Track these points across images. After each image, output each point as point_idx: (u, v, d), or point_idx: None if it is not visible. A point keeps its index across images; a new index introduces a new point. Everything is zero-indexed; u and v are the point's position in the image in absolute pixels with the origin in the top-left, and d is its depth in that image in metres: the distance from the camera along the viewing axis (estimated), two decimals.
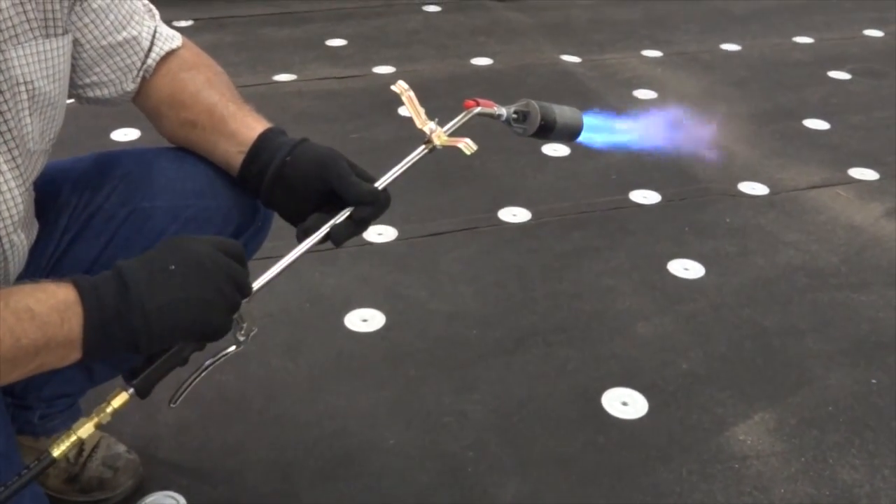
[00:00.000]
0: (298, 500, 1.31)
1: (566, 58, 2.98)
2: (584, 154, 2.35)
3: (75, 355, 0.81)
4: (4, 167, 0.90)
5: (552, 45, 3.08)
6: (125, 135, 2.29)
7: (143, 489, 1.31)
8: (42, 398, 1.21)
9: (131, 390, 0.85)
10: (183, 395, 0.92)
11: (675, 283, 1.84)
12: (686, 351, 1.64)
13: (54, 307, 0.79)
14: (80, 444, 1.25)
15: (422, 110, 1.00)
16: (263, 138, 1.02)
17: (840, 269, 1.90)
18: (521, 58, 2.96)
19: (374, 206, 0.97)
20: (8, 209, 0.92)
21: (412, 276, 1.83)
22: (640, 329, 1.70)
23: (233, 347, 0.91)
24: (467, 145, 0.98)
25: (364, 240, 1.91)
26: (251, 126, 1.04)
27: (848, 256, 1.94)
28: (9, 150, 0.91)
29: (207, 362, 0.92)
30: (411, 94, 1.01)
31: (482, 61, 2.93)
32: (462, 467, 1.37)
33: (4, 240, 0.93)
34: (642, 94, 2.75)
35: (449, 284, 1.81)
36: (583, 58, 2.99)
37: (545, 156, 2.31)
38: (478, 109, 1.04)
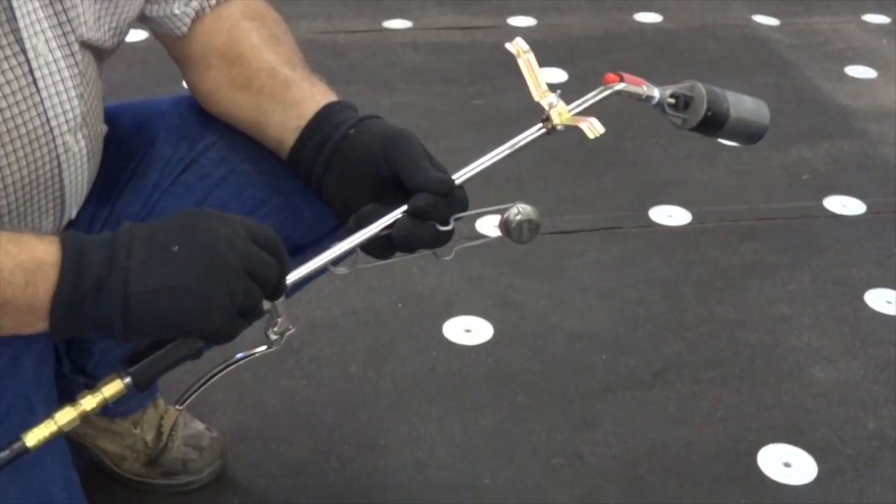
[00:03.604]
0: None
1: (760, 19, 2.98)
2: (769, 144, 2.34)
3: (41, 325, 0.86)
4: (59, 54, 0.97)
5: (743, 0, 3.08)
6: None
7: (225, 475, 1.44)
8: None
9: (127, 379, 0.86)
10: (191, 397, 0.95)
11: (871, 318, 1.84)
12: (876, 407, 1.64)
13: (22, 264, 0.82)
14: (159, 424, 1.41)
15: (542, 79, 1.00)
16: (327, 110, 1.05)
17: None
18: (701, 16, 2.98)
19: (438, 199, 0.95)
20: (61, 103, 0.98)
21: (531, 282, 1.90)
22: (817, 373, 1.71)
23: (262, 347, 0.93)
24: (591, 127, 0.97)
25: (476, 232, 1.98)
26: (316, 98, 1.07)
27: None
28: (63, 34, 0.97)
29: (219, 366, 0.95)
30: (531, 57, 1.01)
31: (649, 17, 2.96)
32: None
33: (58, 140, 0.99)
34: (857, 71, 2.72)
35: (577, 295, 1.87)
36: (782, 20, 2.98)
37: (717, 144, 2.32)
38: (620, 86, 1.03)
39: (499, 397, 1.63)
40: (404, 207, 0.95)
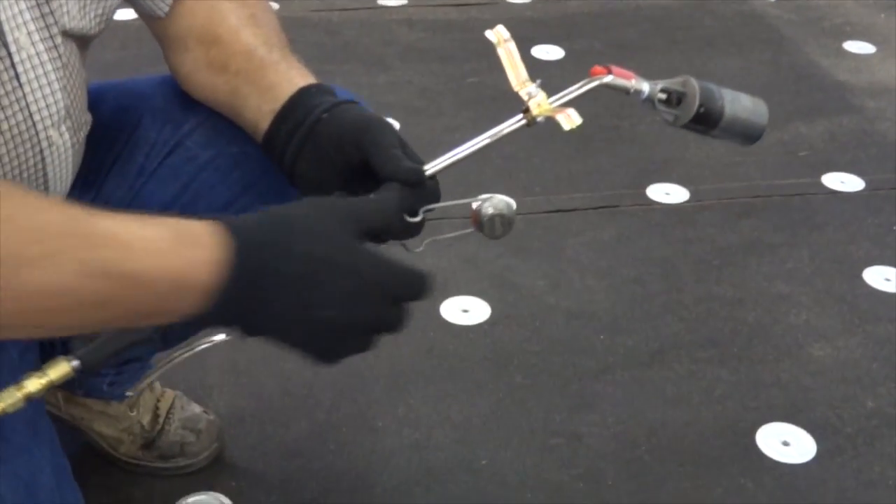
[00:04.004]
0: None
1: None
2: (767, 121, 2.34)
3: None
4: (41, 47, 0.95)
5: None
6: None
7: (222, 458, 1.45)
8: (108, 364, 1.34)
9: (75, 362, 0.83)
10: (143, 388, 0.94)
11: (870, 296, 1.84)
12: (874, 385, 1.64)
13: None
14: (156, 407, 1.41)
15: (523, 69, 0.96)
16: (303, 93, 1.03)
17: None
18: None
19: (407, 189, 0.92)
20: (44, 97, 0.96)
21: (529, 262, 1.89)
22: (816, 352, 1.71)
23: (221, 336, 0.90)
24: (568, 118, 0.94)
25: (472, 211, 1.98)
26: (293, 81, 1.05)
27: None
28: (46, 26, 0.96)
29: (178, 353, 0.92)
30: (511, 45, 0.97)
31: None
32: (568, 501, 1.43)
33: (41, 134, 0.98)
34: (855, 46, 2.71)
35: (574, 275, 1.87)
36: None
37: None
38: (606, 79, 1.00)
39: (496, 378, 1.63)
40: (371, 197, 0.92)
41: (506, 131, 0.97)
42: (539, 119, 0.96)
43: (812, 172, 2.18)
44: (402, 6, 2.83)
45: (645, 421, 1.56)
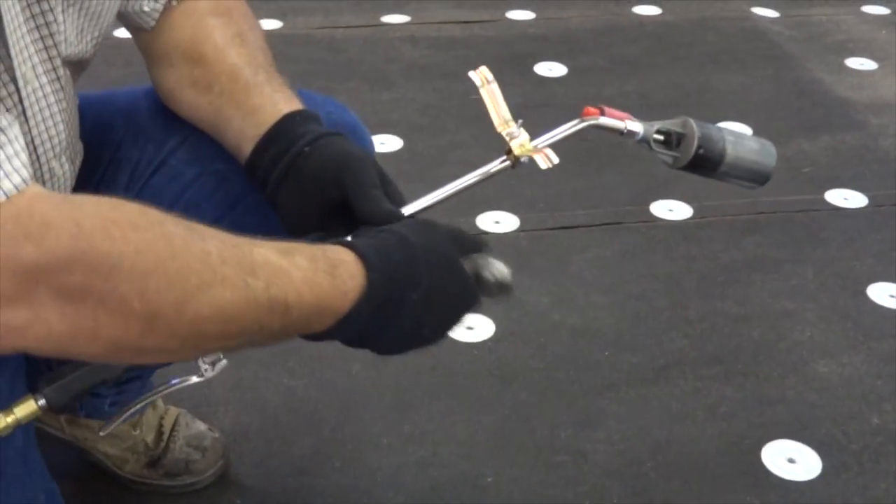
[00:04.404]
0: None
1: (759, 10, 2.98)
2: (770, 138, 2.31)
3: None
4: (45, 79, 0.94)
5: None
6: (266, 25, 2.56)
7: (227, 476, 1.45)
8: (109, 383, 1.34)
9: (42, 401, 0.85)
10: (115, 425, 0.94)
11: (874, 312, 1.84)
12: (880, 401, 1.64)
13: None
14: (159, 425, 1.42)
15: (505, 108, 0.97)
16: (287, 120, 1.02)
17: None
18: (700, 7, 2.98)
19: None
20: (47, 129, 0.96)
21: (533, 278, 1.89)
22: (821, 368, 1.71)
23: (194, 378, 0.91)
24: (546, 158, 0.95)
25: (476, 227, 1.98)
26: (277, 105, 1.04)
27: None
28: (49, 58, 0.95)
29: (150, 394, 0.95)
30: (495, 87, 0.98)
31: (648, 10, 2.96)
32: None
33: (44, 167, 0.98)
34: (857, 63, 2.72)
35: (579, 292, 1.87)
36: (781, 12, 2.98)
37: None
38: (596, 120, 0.99)
39: (501, 395, 1.63)
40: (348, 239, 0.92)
41: (490, 172, 0.98)
42: (523, 160, 0.97)
43: (815, 189, 2.19)
44: (406, 23, 2.85)
45: (650, 438, 1.56)
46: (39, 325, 0.75)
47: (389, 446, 1.52)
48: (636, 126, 1.01)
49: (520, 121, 0.98)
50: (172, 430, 1.43)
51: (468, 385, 1.65)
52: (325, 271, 0.85)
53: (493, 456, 1.52)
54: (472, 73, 0.99)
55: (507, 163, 0.98)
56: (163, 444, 1.42)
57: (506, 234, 2.01)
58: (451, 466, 1.50)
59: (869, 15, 2.99)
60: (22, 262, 0.72)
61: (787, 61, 2.71)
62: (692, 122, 1.02)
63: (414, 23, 2.85)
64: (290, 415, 1.57)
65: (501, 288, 0.96)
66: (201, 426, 1.46)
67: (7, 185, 0.73)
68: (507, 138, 0.97)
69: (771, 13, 2.97)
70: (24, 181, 0.74)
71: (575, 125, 1.00)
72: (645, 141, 1.02)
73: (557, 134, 0.99)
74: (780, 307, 1.85)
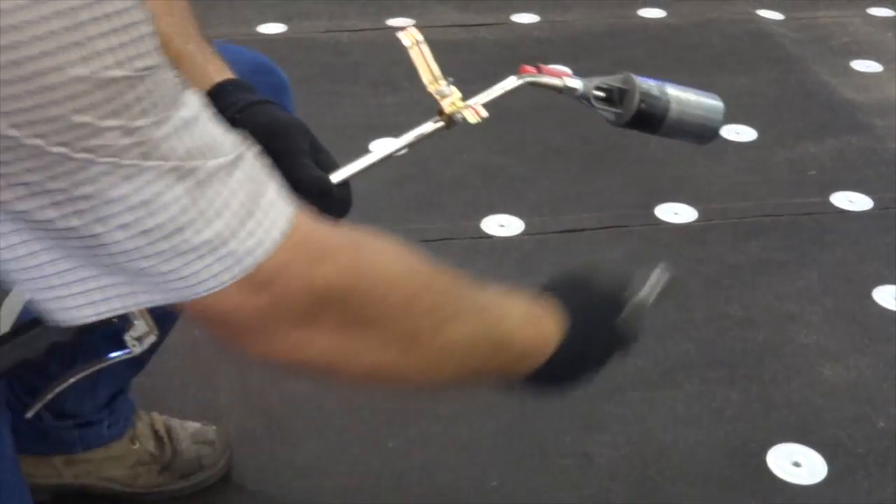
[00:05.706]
0: None
1: (764, 13, 2.98)
2: (774, 140, 2.36)
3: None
4: None
5: None
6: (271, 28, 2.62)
7: (232, 479, 1.45)
8: (100, 406, 1.35)
9: None
10: (43, 403, 0.91)
11: (880, 315, 1.84)
12: (885, 405, 1.64)
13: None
14: (154, 431, 1.41)
15: (435, 67, 0.96)
16: (218, 89, 1.00)
17: None
18: (705, 10, 2.98)
19: (310, 201, 0.90)
20: None
21: (537, 282, 1.89)
22: (826, 371, 1.71)
23: (119, 353, 0.86)
24: (475, 112, 0.94)
25: (481, 231, 1.98)
26: (208, 74, 1.02)
27: None
28: None
29: (76, 372, 0.89)
30: (425, 48, 0.97)
31: (652, 13, 2.96)
32: None
33: None
34: (862, 65, 2.72)
35: None
36: (787, 14, 2.97)
37: (724, 140, 2.32)
38: (533, 77, 0.97)
39: (506, 398, 1.63)
40: None
41: (422, 135, 0.96)
42: (457, 117, 0.95)
43: (820, 191, 2.18)
44: (411, 26, 2.84)
45: (655, 441, 1.56)
46: (313, 346, 0.78)
47: (395, 450, 1.53)
48: (575, 82, 0.99)
49: (450, 79, 0.97)
50: (168, 430, 1.43)
51: (473, 390, 1.64)
52: (539, 317, 0.92)
53: (498, 460, 1.52)
54: (400, 34, 0.98)
55: (441, 123, 0.96)
56: (169, 448, 1.42)
57: (511, 238, 2.01)
58: (456, 470, 1.50)
59: (874, 17, 2.99)
60: (315, 286, 0.75)
61: (793, 63, 2.71)
62: (634, 77, 0.99)
63: (419, 26, 2.80)
64: (295, 418, 1.58)
65: (661, 298, 1.04)
66: (195, 423, 1.47)
67: (290, 211, 0.74)
68: (438, 97, 0.96)
69: (776, 15, 2.96)
70: (294, 205, 0.76)
71: (510, 83, 0.99)
72: (585, 97, 1.00)
73: (492, 92, 0.98)
74: (785, 310, 1.84)
